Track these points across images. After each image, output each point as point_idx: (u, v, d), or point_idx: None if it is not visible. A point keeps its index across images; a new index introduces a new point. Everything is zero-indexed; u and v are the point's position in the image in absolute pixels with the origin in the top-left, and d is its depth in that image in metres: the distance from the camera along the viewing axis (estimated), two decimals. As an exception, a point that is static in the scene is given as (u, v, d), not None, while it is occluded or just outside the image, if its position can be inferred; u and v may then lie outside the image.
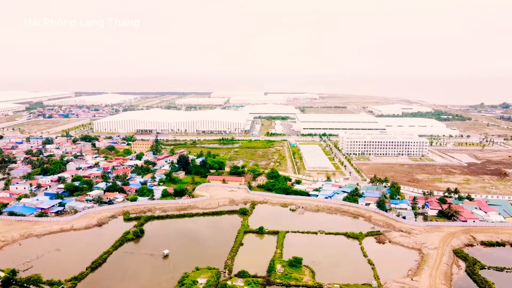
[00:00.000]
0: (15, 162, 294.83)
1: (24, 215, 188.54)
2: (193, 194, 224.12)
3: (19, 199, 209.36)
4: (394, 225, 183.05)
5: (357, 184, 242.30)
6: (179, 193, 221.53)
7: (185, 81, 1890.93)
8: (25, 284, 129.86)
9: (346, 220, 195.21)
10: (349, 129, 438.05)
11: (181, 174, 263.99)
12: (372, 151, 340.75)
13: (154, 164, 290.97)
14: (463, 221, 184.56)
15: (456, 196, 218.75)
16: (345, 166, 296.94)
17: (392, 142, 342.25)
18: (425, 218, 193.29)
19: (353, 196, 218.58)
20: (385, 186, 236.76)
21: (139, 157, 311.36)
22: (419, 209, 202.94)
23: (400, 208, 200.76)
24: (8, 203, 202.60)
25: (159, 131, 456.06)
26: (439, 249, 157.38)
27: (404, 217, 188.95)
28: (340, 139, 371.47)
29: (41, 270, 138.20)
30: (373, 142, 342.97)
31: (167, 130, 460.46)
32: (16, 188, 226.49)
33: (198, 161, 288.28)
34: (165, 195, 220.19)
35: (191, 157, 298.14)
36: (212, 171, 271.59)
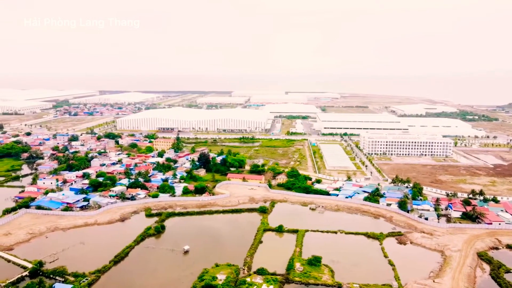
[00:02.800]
0: (42, 158, 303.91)
1: (51, 209, 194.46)
2: (213, 191, 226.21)
3: (46, 193, 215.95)
4: (416, 226, 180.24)
5: (378, 184, 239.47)
6: (200, 191, 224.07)
7: (205, 80, 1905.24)
8: (51, 276, 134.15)
9: (366, 220, 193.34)
10: (370, 128, 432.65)
11: (201, 172, 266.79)
12: (394, 151, 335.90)
13: (175, 161, 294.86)
14: (488, 223, 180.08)
15: (481, 198, 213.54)
16: (366, 166, 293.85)
17: (415, 142, 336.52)
18: (448, 220, 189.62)
19: (374, 196, 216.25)
20: (407, 187, 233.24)
21: (160, 154, 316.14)
22: (442, 210, 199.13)
23: (423, 209, 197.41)
24: (35, 197, 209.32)
25: (181, 129, 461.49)
26: (462, 251, 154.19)
27: (426, 218, 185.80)
28: (361, 138, 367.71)
29: (66, 262, 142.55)
30: (395, 142, 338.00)
31: (188, 129, 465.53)
32: (43, 183, 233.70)
33: (218, 159, 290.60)
34: (185, 192, 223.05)
35: (211, 155, 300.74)
36: (232, 169, 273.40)
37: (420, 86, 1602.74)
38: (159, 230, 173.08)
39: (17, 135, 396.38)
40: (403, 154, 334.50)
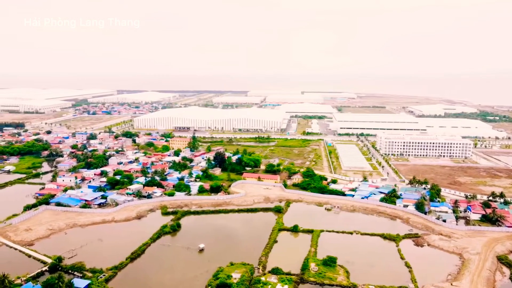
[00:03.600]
0: (61, 156, 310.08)
1: (70, 206, 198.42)
2: (229, 190, 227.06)
3: (65, 190, 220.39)
4: (433, 228, 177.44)
5: (395, 185, 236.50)
6: (215, 190, 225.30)
7: (221, 80, 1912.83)
8: (70, 271, 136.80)
9: (382, 221, 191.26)
10: (387, 129, 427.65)
11: (217, 171, 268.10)
12: (412, 152, 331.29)
13: (191, 160, 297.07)
14: (508, 226, 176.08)
15: (502, 200, 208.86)
16: (382, 166, 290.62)
17: (433, 143, 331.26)
18: (467, 222, 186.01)
19: (391, 197, 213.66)
20: (424, 188, 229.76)
21: (176, 153, 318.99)
22: (460, 212, 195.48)
23: (440, 211, 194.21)
24: (55, 194, 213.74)
25: (197, 128, 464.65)
26: (481, 254, 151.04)
27: (444, 220, 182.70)
28: (378, 139, 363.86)
29: (84, 258, 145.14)
30: (412, 142, 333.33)
31: (204, 128, 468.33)
32: (63, 180, 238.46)
33: (234, 158, 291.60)
34: (201, 191, 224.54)
35: (227, 154, 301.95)
36: (247, 168, 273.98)
37: (439, 86, 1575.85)
38: (175, 228, 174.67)
39: (38, 134, 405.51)
40: (420, 155, 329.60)
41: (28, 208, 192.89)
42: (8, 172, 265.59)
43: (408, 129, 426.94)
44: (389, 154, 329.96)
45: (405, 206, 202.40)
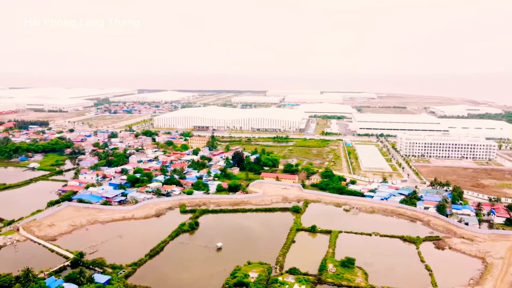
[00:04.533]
0: (84, 154, 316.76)
1: (91, 203, 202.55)
2: (247, 190, 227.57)
3: (87, 187, 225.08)
4: (455, 231, 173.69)
5: (416, 186, 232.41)
6: (233, 189, 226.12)
7: (240, 79, 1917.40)
8: (91, 266, 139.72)
9: (402, 223, 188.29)
10: (408, 129, 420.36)
11: (235, 170, 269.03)
12: (433, 153, 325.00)
13: (209, 159, 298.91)
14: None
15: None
16: (403, 167, 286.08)
17: (456, 145, 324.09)
18: (491, 226, 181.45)
19: (411, 199, 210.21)
20: (446, 190, 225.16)
21: (195, 152, 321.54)
22: (483, 216, 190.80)
23: (463, 214, 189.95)
24: (77, 191, 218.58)
25: (215, 127, 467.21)
26: (505, 259, 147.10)
27: (466, 223, 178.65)
28: (398, 140, 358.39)
29: (104, 254, 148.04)
30: (434, 143, 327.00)
31: (223, 127, 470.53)
32: (85, 178, 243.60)
33: (252, 158, 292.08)
34: (219, 190, 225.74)
35: (245, 153, 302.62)
36: (266, 168, 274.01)
37: (462, 86, 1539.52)
38: (193, 227, 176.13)
39: (61, 132, 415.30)
40: (442, 157, 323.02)
41: (51, 204, 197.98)
42: (33, 169, 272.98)
43: (429, 130, 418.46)
44: (409, 155, 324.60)
45: (426, 208, 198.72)
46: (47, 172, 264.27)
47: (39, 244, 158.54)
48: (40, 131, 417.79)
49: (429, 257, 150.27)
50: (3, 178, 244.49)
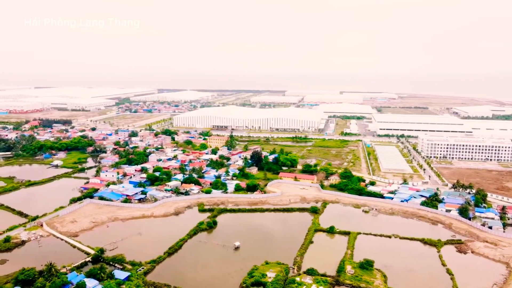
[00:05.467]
0: (105, 152, 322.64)
1: (112, 200, 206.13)
2: (265, 190, 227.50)
3: (108, 185, 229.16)
4: (478, 234, 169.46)
5: (437, 188, 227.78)
6: (251, 188, 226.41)
7: (259, 79, 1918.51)
8: (111, 262, 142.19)
9: (423, 225, 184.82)
10: (430, 130, 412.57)
11: (253, 170, 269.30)
12: (456, 154, 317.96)
13: (228, 159, 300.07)
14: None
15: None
16: (424, 169, 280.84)
17: (479, 146, 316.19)
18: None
19: (432, 201, 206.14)
20: (469, 193, 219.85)
21: (214, 151, 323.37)
22: (508, 219, 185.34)
23: (486, 217, 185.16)
24: (98, 189, 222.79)
25: (234, 127, 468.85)
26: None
27: (490, 227, 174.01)
28: (419, 141, 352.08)
29: (124, 251, 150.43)
30: (457, 145, 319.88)
31: (242, 127, 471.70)
32: (106, 176, 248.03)
33: (270, 157, 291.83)
34: (237, 189, 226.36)
35: (264, 153, 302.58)
36: (284, 168, 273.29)
37: (486, 86, 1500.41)
38: (211, 225, 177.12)
39: (84, 130, 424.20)
40: (465, 158, 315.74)
41: (73, 201, 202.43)
42: (56, 166, 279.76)
43: (452, 131, 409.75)
44: (431, 157, 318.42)
45: (448, 211, 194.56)
46: (70, 170, 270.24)
47: (62, 239, 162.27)
48: (64, 130, 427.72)
49: (451, 260, 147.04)
50: (28, 175, 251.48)
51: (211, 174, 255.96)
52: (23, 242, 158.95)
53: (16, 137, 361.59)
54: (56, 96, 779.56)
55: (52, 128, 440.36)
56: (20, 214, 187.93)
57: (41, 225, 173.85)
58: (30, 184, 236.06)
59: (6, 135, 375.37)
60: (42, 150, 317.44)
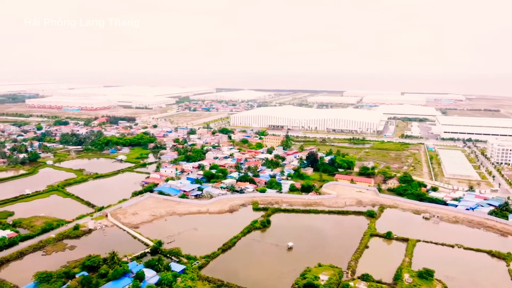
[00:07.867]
0: (165, 149, 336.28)
1: (170, 195, 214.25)
2: (320, 191, 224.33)
3: (166, 181, 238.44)
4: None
5: (508, 197, 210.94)
6: (306, 189, 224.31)
7: (317, 79, 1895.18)
8: (168, 255, 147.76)
9: (491, 236, 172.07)
10: (501, 135, 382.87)
11: (309, 171, 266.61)
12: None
13: (283, 159, 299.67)
14: None
15: None
16: (493, 176, 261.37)
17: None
18: None
19: (502, 210, 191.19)
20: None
21: (269, 151, 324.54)
22: None
23: None
24: (158, 184, 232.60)
25: (290, 127, 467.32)
26: None
27: None
28: (489, 145, 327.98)
29: (181, 244, 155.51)
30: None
31: (298, 127, 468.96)
32: (165, 171, 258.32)
33: (326, 159, 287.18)
34: (292, 189, 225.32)
35: (320, 154, 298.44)
36: (340, 170, 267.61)
37: None
38: (264, 224, 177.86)
39: (146, 127, 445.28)
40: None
41: (135, 194, 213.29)
42: (121, 161, 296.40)
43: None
44: (502, 163, 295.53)
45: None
46: (133, 164, 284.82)
47: (124, 230, 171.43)
48: (128, 126, 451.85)
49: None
50: (96, 168, 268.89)
51: (266, 174, 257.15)
52: (90, 231, 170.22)
53: (86, 132, 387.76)
54: (122, 95, 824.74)
55: (118, 124, 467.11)
56: (88, 204, 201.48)
57: (106, 216, 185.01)
58: (97, 176, 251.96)
59: (78, 130, 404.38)
60: (109, 145, 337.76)
